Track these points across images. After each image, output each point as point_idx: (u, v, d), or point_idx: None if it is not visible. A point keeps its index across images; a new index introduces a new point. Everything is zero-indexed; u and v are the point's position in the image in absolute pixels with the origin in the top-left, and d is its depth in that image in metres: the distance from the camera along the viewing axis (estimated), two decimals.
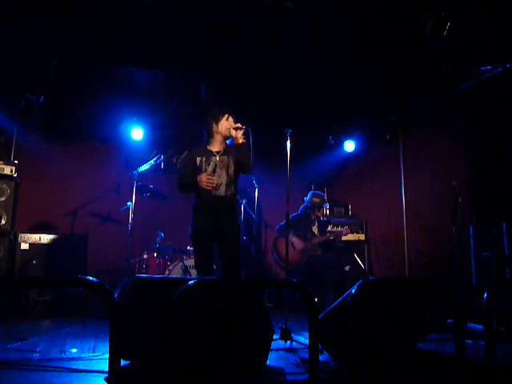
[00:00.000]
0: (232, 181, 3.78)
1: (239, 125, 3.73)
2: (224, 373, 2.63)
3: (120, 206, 5.47)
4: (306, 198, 5.97)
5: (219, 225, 3.72)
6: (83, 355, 3.14)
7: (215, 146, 3.86)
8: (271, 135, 4.97)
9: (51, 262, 5.31)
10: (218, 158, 3.80)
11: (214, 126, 3.83)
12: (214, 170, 3.77)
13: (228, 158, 3.80)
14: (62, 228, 6.06)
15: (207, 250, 3.75)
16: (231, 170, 3.78)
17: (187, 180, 3.81)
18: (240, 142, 3.69)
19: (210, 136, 3.88)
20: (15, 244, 5.21)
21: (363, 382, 2.79)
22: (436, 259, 5.52)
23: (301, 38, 4.70)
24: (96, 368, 2.77)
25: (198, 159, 3.80)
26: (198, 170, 3.77)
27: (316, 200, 5.87)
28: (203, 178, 3.67)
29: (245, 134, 3.71)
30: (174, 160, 6.84)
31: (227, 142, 3.89)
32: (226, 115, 3.82)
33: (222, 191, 3.75)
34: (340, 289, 4.83)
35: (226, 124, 3.80)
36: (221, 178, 3.75)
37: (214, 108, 3.94)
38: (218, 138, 3.85)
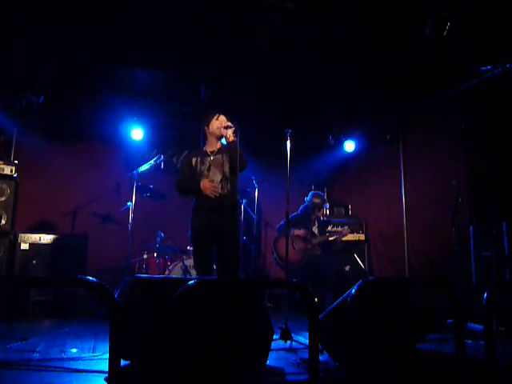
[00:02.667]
0: (227, 179, 3.81)
1: (229, 123, 3.82)
2: (224, 373, 2.63)
3: (120, 205, 5.47)
4: (307, 198, 5.97)
5: (218, 225, 3.73)
6: (83, 355, 3.14)
7: (210, 147, 3.95)
8: (271, 135, 4.97)
9: (51, 262, 5.31)
10: (211, 158, 3.87)
11: (206, 127, 3.95)
12: (209, 169, 3.83)
13: (222, 156, 3.86)
14: (62, 228, 6.06)
15: (206, 251, 3.77)
16: (226, 168, 3.83)
17: (186, 184, 3.90)
18: (230, 139, 3.78)
19: (205, 138, 3.99)
20: (15, 244, 5.21)
21: (363, 381, 2.78)
22: (436, 259, 5.52)
23: (301, 38, 4.70)
24: (96, 368, 2.78)
25: (194, 160, 3.91)
26: (193, 171, 3.86)
27: (317, 200, 5.87)
28: (207, 185, 3.76)
29: (235, 133, 3.77)
30: (174, 160, 6.84)
31: (223, 142, 3.95)
32: (217, 115, 3.91)
33: (218, 189, 3.77)
34: (340, 289, 4.83)
35: (216, 123, 3.89)
36: (216, 177, 3.81)
37: (205, 112, 4.05)
38: (211, 139, 3.95)
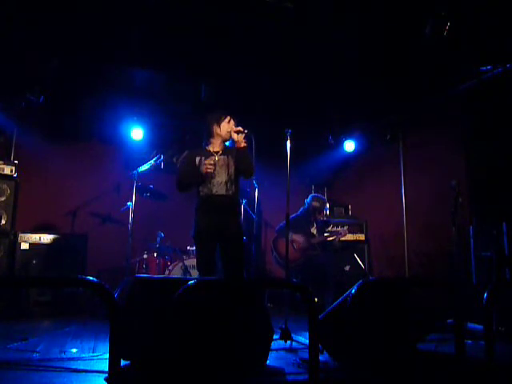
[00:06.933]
0: (232, 181, 3.76)
1: (241, 128, 3.71)
2: (224, 373, 2.63)
3: (120, 205, 5.46)
4: (307, 200, 5.96)
5: (221, 225, 3.69)
6: (83, 355, 3.14)
7: (214, 147, 3.86)
8: (271, 135, 4.97)
9: (51, 262, 5.31)
10: (216, 158, 3.78)
11: (216, 127, 3.83)
12: (214, 169, 3.75)
13: (228, 157, 3.79)
14: (62, 228, 6.05)
15: (210, 251, 3.72)
16: (231, 169, 3.76)
17: (187, 177, 3.79)
18: (241, 145, 3.68)
19: (210, 137, 3.87)
20: (15, 244, 5.20)
21: (363, 381, 2.78)
22: (436, 259, 5.52)
23: (301, 38, 4.70)
24: (96, 368, 2.78)
25: (197, 159, 3.80)
26: (197, 169, 3.76)
27: (316, 204, 5.86)
28: (205, 162, 3.68)
29: (246, 138, 3.68)
30: (174, 160, 6.82)
31: (226, 143, 3.90)
32: (228, 118, 3.82)
33: (222, 190, 3.72)
34: (340, 289, 4.83)
35: (226, 126, 3.79)
36: (221, 177, 3.74)
37: (215, 110, 3.92)
38: (217, 140, 3.85)
